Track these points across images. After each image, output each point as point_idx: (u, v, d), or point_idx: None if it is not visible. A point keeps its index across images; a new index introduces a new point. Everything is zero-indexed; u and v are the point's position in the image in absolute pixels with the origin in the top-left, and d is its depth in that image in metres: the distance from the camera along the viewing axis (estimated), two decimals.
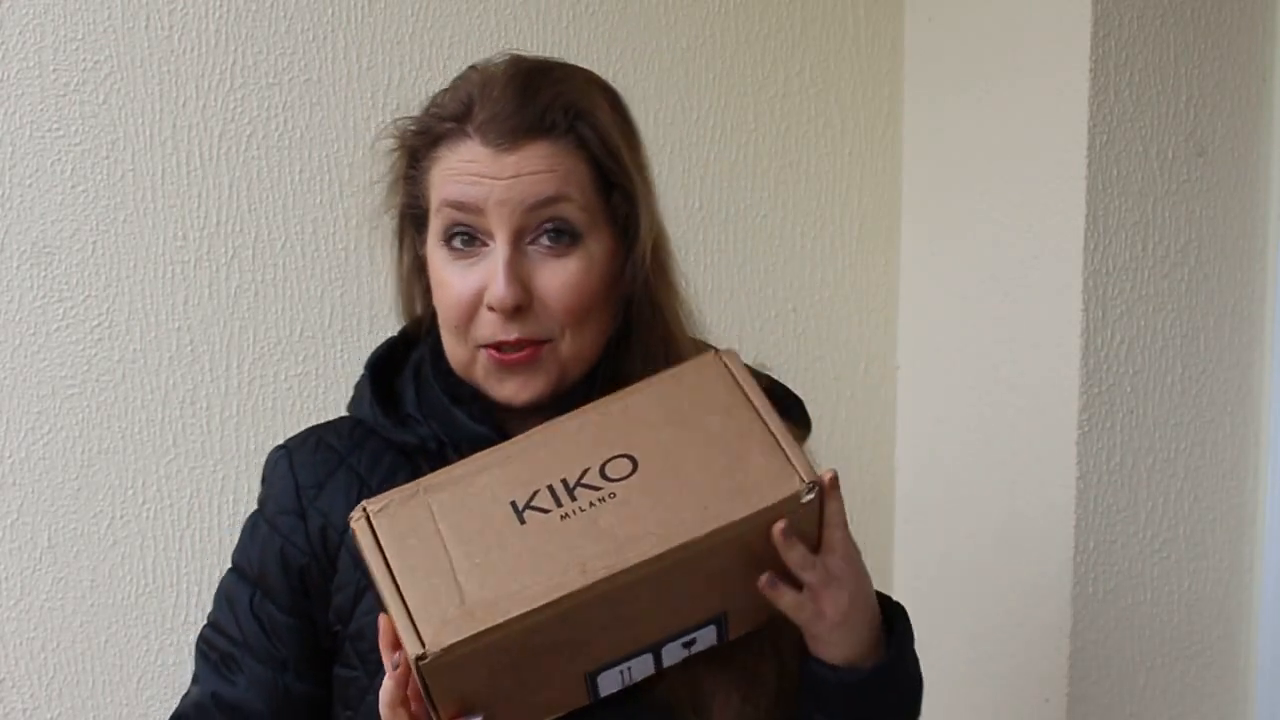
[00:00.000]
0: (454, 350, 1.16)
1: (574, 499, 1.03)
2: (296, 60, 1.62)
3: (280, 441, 1.25)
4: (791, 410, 1.22)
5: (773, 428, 1.05)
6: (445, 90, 1.17)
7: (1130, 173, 1.63)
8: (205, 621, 1.24)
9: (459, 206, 1.11)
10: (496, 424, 1.16)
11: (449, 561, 1.01)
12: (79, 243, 1.56)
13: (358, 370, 1.66)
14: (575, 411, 1.08)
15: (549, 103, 1.11)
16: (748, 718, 1.13)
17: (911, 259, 1.90)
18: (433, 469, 1.17)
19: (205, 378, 1.61)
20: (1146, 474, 1.68)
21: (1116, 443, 1.66)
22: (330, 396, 1.65)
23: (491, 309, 1.11)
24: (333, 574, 1.18)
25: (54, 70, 1.54)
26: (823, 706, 1.12)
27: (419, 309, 1.24)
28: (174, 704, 1.63)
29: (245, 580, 1.22)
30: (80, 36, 1.55)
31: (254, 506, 1.66)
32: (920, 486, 1.89)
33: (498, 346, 1.12)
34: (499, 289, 1.09)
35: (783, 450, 1.04)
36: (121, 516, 1.60)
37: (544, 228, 1.11)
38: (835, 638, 1.09)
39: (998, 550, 1.72)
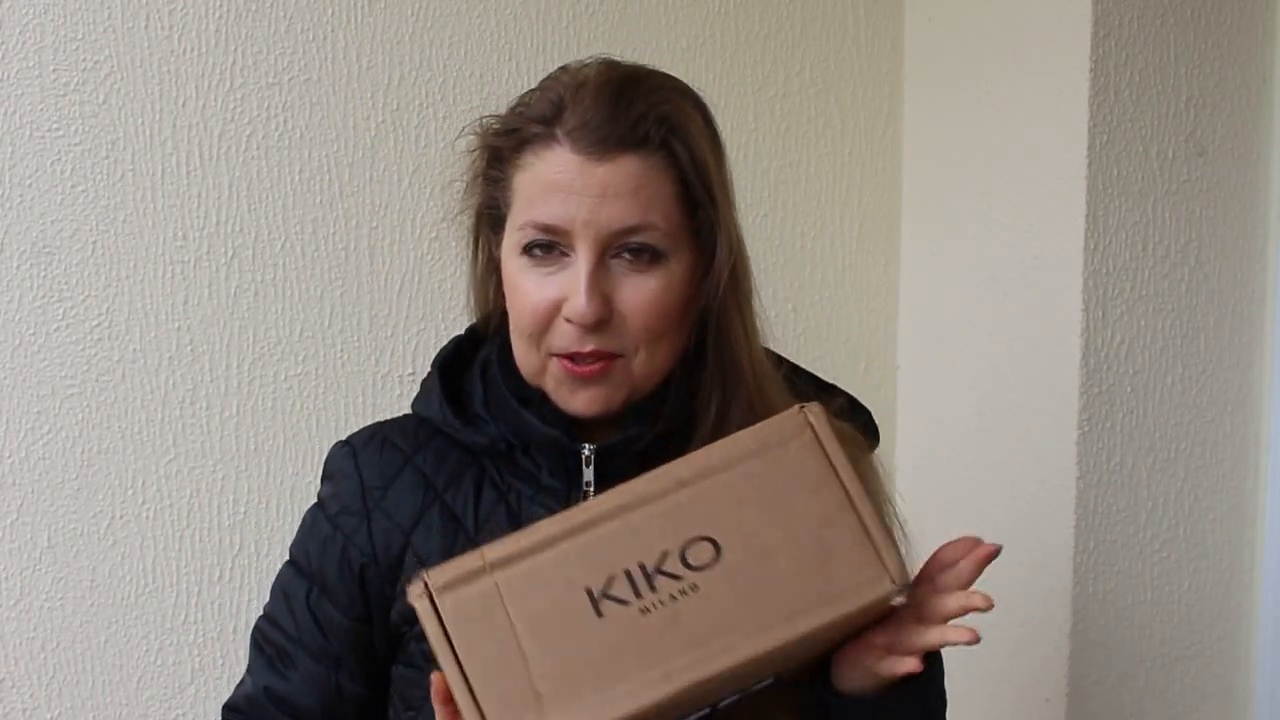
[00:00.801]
0: (525, 357, 1.14)
1: (654, 589, 0.96)
2: (296, 60, 1.62)
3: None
4: (858, 418, 1.21)
5: (862, 514, 1.00)
6: (533, 90, 1.15)
7: (1130, 173, 1.63)
8: (261, 613, 1.24)
9: (544, 229, 1.10)
10: (566, 427, 1.15)
11: (523, 660, 0.94)
12: (79, 243, 1.56)
13: (358, 371, 1.67)
14: (651, 475, 1.01)
15: (643, 114, 1.09)
16: None
17: (911, 259, 1.90)
18: (499, 470, 1.17)
19: (205, 378, 1.61)
20: (1146, 474, 1.68)
21: (1116, 443, 1.66)
22: (330, 396, 1.65)
23: (570, 321, 1.09)
24: (397, 576, 1.17)
25: (54, 70, 1.54)
26: None
27: (490, 308, 1.22)
28: (174, 704, 1.64)
29: (302, 575, 1.21)
30: (80, 36, 1.54)
31: (254, 506, 1.67)
32: (920, 486, 1.89)
33: (571, 357, 1.11)
34: (580, 303, 1.08)
35: (873, 544, 1.00)
36: (121, 516, 1.60)
37: (627, 245, 1.10)
38: (864, 682, 1.07)
39: None
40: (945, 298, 1.84)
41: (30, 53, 1.53)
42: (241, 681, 1.24)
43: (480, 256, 1.21)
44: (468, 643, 0.94)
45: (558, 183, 1.09)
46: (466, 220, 1.21)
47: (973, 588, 1.07)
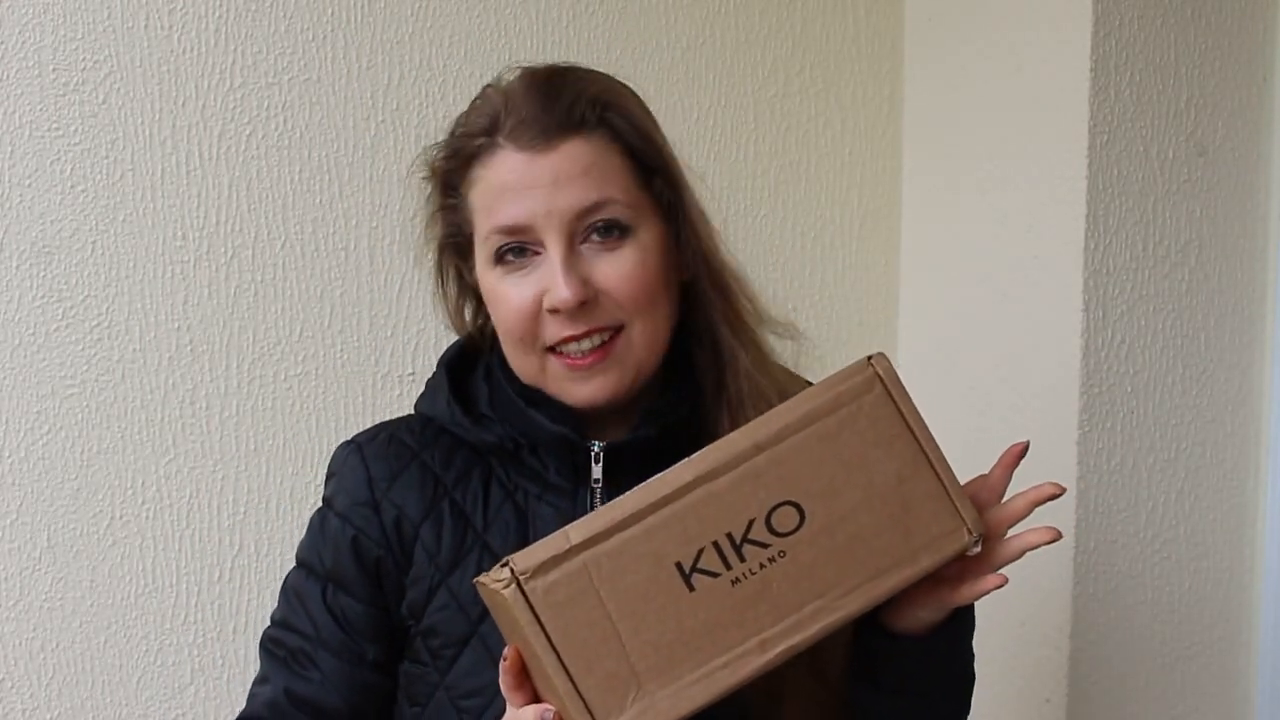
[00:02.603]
0: (522, 362, 1.15)
1: (743, 559, 0.97)
2: (296, 60, 1.62)
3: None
4: None
5: (936, 466, 1.02)
6: (465, 113, 1.17)
7: (1130, 173, 1.63)
8: (269, 622, 1.23)
9: (508, 231, 1.11)
10: (574, 425, 1.15)
11: (619, 640, 0.94)
12: (79, 243, 1.56)
13: (358, 371, 1.67)
14: (727, 440, 1.00)
15: (574, 98, 1.11)
16: (820, 697, 1.14)
17: (911, 259, 1.90)
18: (505, 469, 1.18)
19: (205, 378, 1.61)
20: (1146, 474, 1.68)
21: (1116, 443, 1.66)
22: (330, 396, 1.65)
23: (555, 311, 1.10)
24: (408, 567, 1.17)
25: (54, 70, 1.54)
26: (881, 672, 1.12)
27: (475, 333, 1.24)
28: (174, 704, 1.64)
29: (315, 576, 1.20)
30: (80, 36, 1.54)
31: (254, 506, 1.67)
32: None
33: (565, 352, 1.11)
34: (560, 290, 1.09)
35: (949, 497, 1.02)
36: (121, 516, 1.60)
37: (593, 226, 1.11)
38: (930, 614, 1.09)
39: None
40: (945, 298, 1.84)
41: (30, 53, 1.53)
42: (253, 695, 1.22)
43: (450, 288, 1.23)
44: (564, 629, 0.93)
45: (509, 183, 1.10)
46: (430, 257, 1.23)
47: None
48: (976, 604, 1.12)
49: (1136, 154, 1.64)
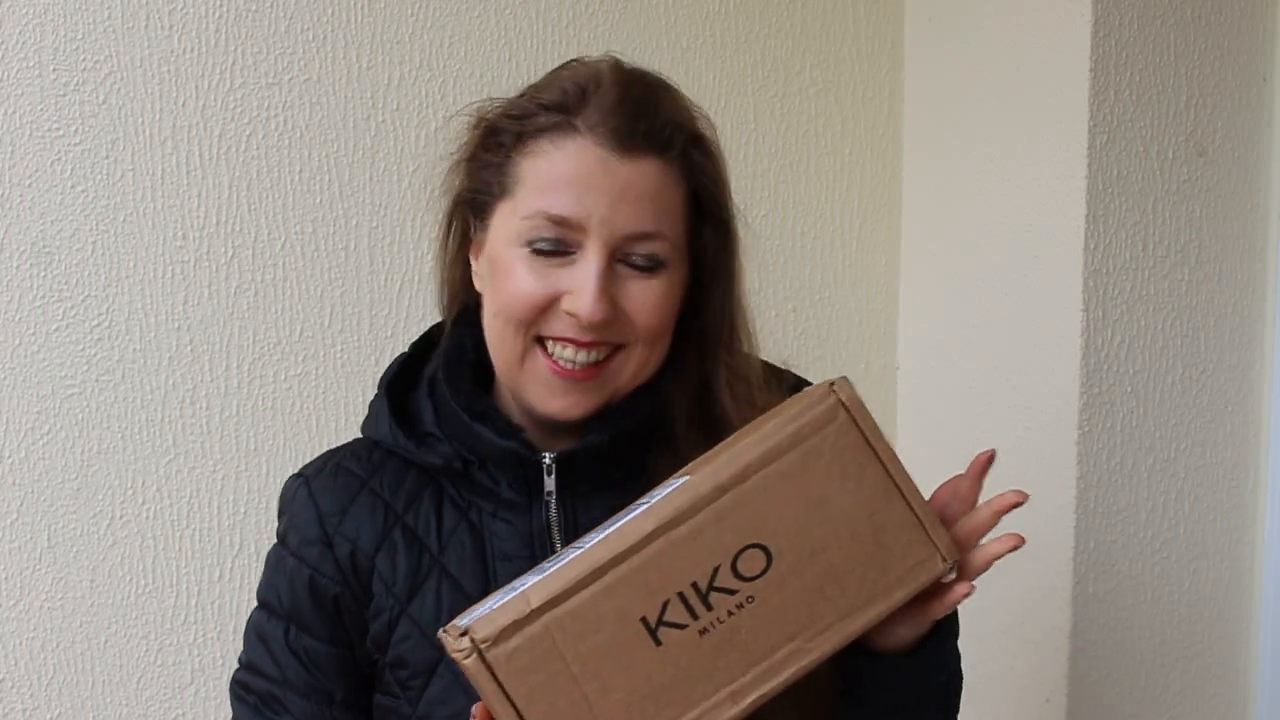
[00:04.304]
0: (507, 343, 1.09)
1: (710, 608, 0.92)
2: (296, 60, 1.62)
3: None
4: None
5: (906, 493, 0.98)
6: (547, 79, 1.11)
7: (1130, 173, 1.63)
8: (237, 665, 1.20)
9: (557, 221, 1.05)
10: (523, 438, 1.11)
11: (587, 702, 0.90)
12: (79, 243, 1.56)
13: (358, 371, 1.66)
14: (685, 486, 0.95)
15: (668, 119, 1.07)
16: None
17: (911, 259, 1.90)
18: (457, 488, 1.14)
19: (205, 378, 1.61)
20: (1146, 474, 1.68)
21: (1116, 443, 1.66)
22: (330, 397, 1.65)
23: (573, 315, 1.05)
24: (367, 601, 1.13)
25: (54, 70, 1.54)
26: (867, 692, 1.08)
27: (460, 297, 1.18)
28: (174, 704, 1.64)
29: (276, 616, 1.16)
30: (80, 36, 1.54)
31: (254, 506, 1.67)
32: (920, 487, 1.88)
33: (556, 356, 1.07)
34: (588, 302, 1.04)
35: (922, 525, 0.98)
36: (121, 516, 1.60)
37: (636, 252, 1.06)
38: (911, 631, 1.05)
39: None
40: (945, 298, 1.84)
41: (30, 53, 1.53)
42: None
43: (451, 243, 1.16)
44: (528, 695, 0.89)
45: (576, 175, 1.05)
46: (442, 204, 1.16)
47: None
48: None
49: (1136, 154, 1.64)
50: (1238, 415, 1.74)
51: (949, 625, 1.10)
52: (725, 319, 1.14)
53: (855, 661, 1.06)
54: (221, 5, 1.59)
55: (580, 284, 1.05)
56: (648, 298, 1.07)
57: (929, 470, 2.04)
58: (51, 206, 1.55)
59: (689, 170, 1.09)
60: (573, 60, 1.12)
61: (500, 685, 0.89)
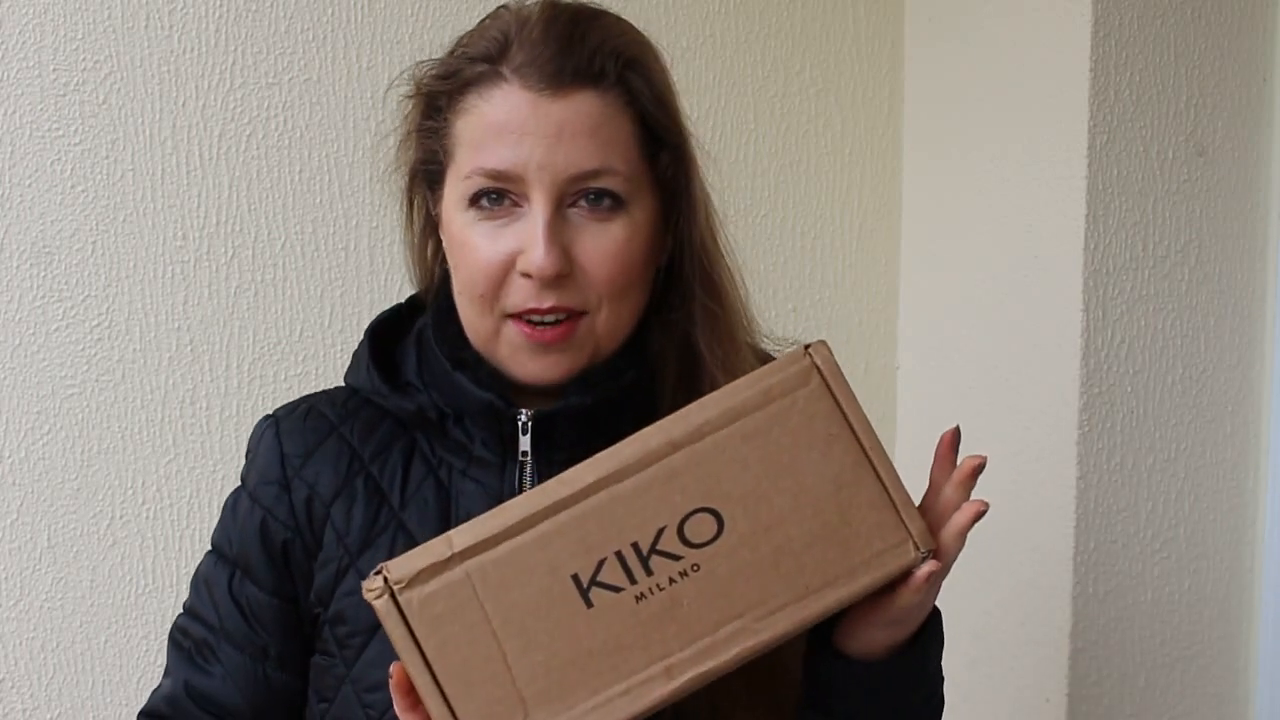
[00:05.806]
0: (476, 323, 1.05)
1: (649, 572, 0.85)
2: (296, 60, 1.62)
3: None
4: None
5: (880, 470, 0.91)
6: (471, 32, 1.06)
7: (1130, 173, 1.63)
8: (180, 610, 1.16)
9: (493, 175, 1.01)
10: (502, 391, 1.06)
11: (504, 661, 0.83)
12: (79, 243, 1.56)
13: None
14: (637, 437, 0.88)
15: (597, 47, 1.01)
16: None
17: (911, 259, 1.90)
18: (430, 443, 1.09)
19: (205, 378, 1.61)
20: (1146, 474, 1.68)
21: (1116, 443, 1.66)
22: None
23: (527, 275, 1.00)
24: (317, 551, 1.08)
25: (54, 70, 1.54)
26: (834, 700, 1.01)
27: (431, 275, 1.14)
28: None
29: (224, 560, 1.12)
30: (80, 36, 1.54)
31: None
32: (919, 486, 1.88)
33: (530, 320, 1.02)
34: (538, 256, 0.99)
35: (894, 506, 0.91)
36: (121, 516, 1.60)
37: (585, 192, 1.01)
38: (887, 634, 0.98)
39: (998, 550, 1.72)
40: (945, 298, 1.84)
41: (30, 53, 1.53)
42: (158, 686, 1.14)
43: (416, 219, 1.12)
44: (439, 645, 0.83)
45: (507, 124, 1.00)
46: (398, 181, 1.12)
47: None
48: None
49: (1136, 154, 1.64)
50: (1238, 415, 1.74)
51: (931, 636, 1.03)
52: (693, 251, 1.08)
53: (822, 662, 1.01)
54: (221, 5, 1.59)
55: (529, 237, 1.00)
56: (604, 245, 1.01)
57: (927, 470, 2.03)
58: (51, 206, 1.55)
59: (630, 97, 1.02)
60: (501, 7, 1.07)
61: (410, 631, 0.83)
